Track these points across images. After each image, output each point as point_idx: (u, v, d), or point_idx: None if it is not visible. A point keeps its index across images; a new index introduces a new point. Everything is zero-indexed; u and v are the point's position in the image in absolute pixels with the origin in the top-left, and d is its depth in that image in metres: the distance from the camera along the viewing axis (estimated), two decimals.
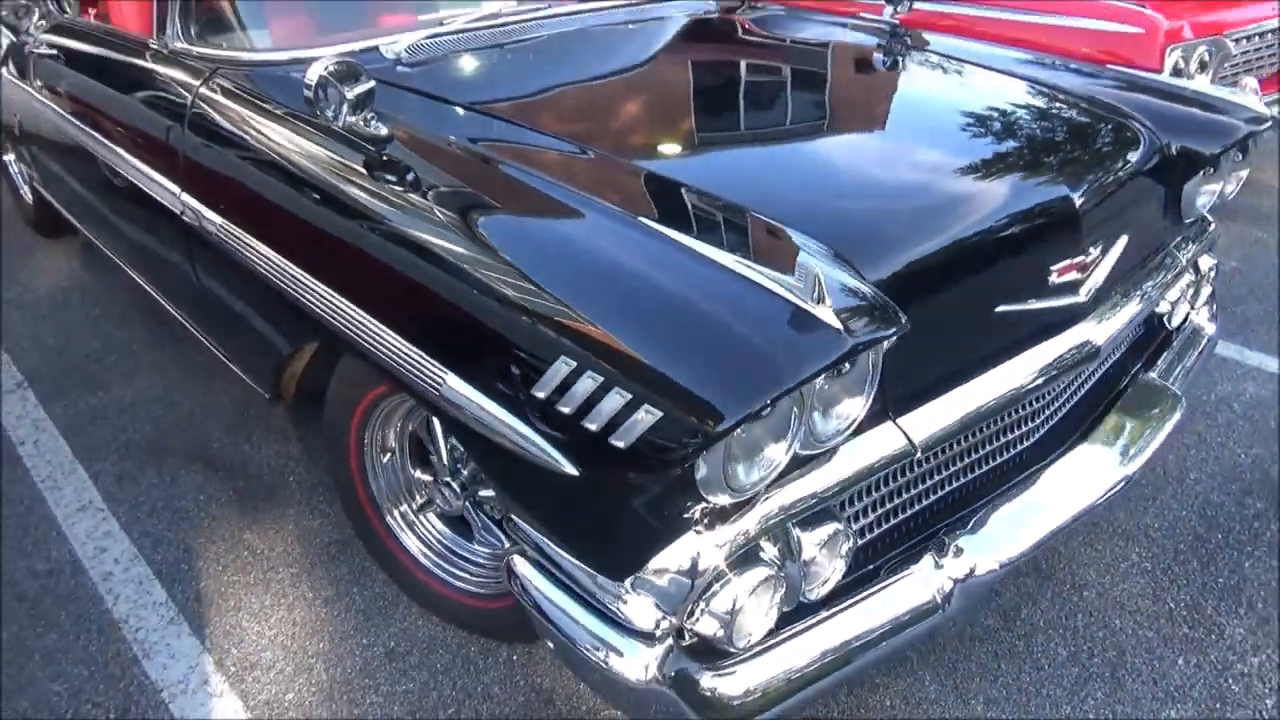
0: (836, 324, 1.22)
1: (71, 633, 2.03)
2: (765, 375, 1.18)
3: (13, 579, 2.18)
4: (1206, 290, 2.39)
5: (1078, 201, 1.74)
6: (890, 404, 1.51)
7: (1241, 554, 2.18)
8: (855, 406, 1.38)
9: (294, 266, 1.82)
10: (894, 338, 1.30)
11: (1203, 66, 3.46)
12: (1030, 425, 1.86)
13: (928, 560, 1.62)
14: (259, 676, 1.92)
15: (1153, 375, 2.16)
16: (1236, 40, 3.58)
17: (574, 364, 1.28)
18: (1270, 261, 3.63)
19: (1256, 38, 3.67)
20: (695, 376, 1.19)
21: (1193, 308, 2.35)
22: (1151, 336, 2.29)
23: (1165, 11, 3.47)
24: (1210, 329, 2.42)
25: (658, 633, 1.37)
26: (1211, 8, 3.65)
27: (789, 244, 1.42)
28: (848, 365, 1.34)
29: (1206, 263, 2.36)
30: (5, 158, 4.05)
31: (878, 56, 2.52)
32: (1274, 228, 3.90)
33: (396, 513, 2.00)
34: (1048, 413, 1.91)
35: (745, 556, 1.38)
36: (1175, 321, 2.28)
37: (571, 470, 1.33)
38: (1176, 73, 3.38)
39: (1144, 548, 2.20)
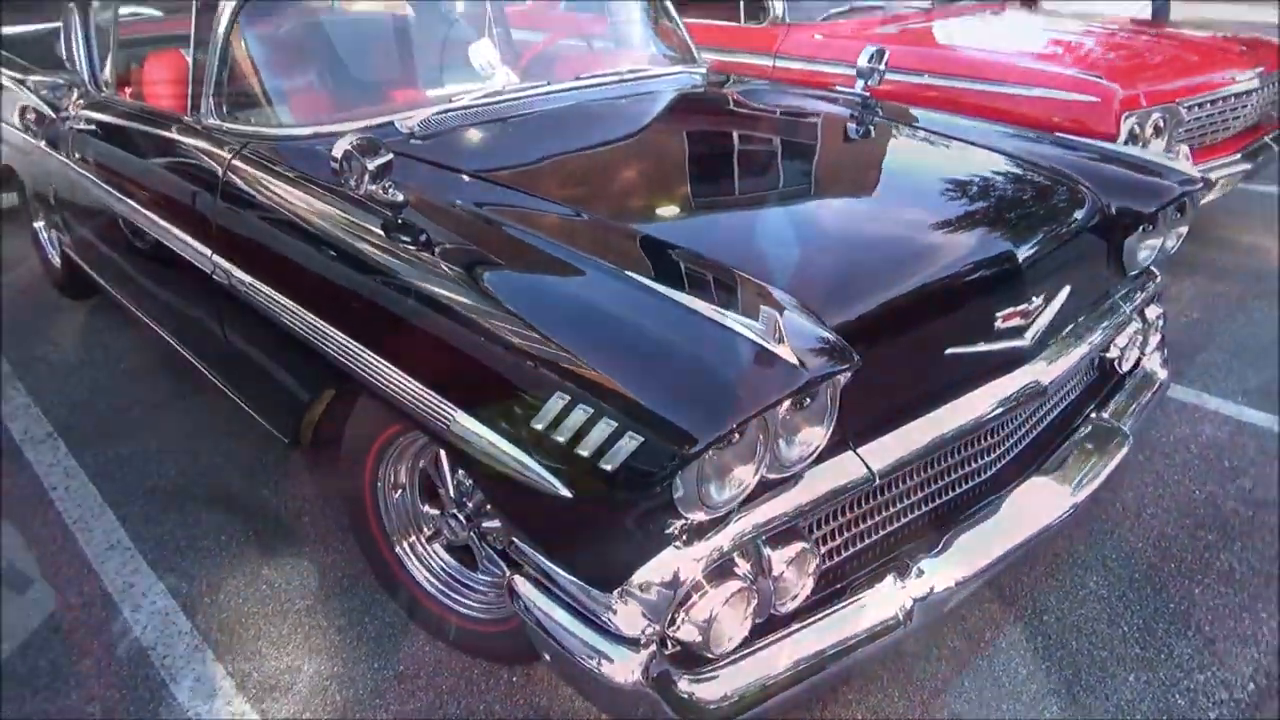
0: (794, 360, 1.42)
1: (104, 659, 2.19)
2: (731, 404, 1.37)
3: (48, 611, 2.34)
4: (1156, 338, 2.59)
5: (1020, 256, 1.94)
6: (851, 435, 1.69)
7: (1192, 582, 2.34)
8: (816, 435, 1.57)
9: (318, 320, 2.02)
10: (846, 373, 1.49)
11: (1157, 132, 3.70)
12: (990, 458, 2.04)
13: (890, 580, 1.80)
14: (278, 697, 2.07)
15: (1104, 415, 2.35)
16: (1189, 108, 3.84)
17: (568, 398, 1.47)
18: (1227, 313, 3.83)
19: (1209, 104, 3.92)
20: (671, 406, 1.38)
21: (1143, 354, 2.54)
22: (1105, 380, 2.48)
23: (1122, 81, 3.73)
24: (1162, 374, 2.61)
25: (643, 639, 1.54)
26: (1167, 78, 3.91)
27: (756, 293, 1.62)
28: (808, 399, 1.53)
29: (1154, 312, 2.55)
30: (35, 225, 4.29)
31: (849, 126, 2.76)
32: (1233, 283, 4.12)
33: (405, 544, 2.17)
34: (1005, 446, 2.09)
35: (720, 570, 1.55)
36: (1126, 366, 2.47)
37: (566, 493, 1.51)
38: (1133, 138, 3.62)
39: (1101, 576, 2.36)
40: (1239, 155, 4.09)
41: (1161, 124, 3.72)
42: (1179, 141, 3.77)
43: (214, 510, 2.70)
